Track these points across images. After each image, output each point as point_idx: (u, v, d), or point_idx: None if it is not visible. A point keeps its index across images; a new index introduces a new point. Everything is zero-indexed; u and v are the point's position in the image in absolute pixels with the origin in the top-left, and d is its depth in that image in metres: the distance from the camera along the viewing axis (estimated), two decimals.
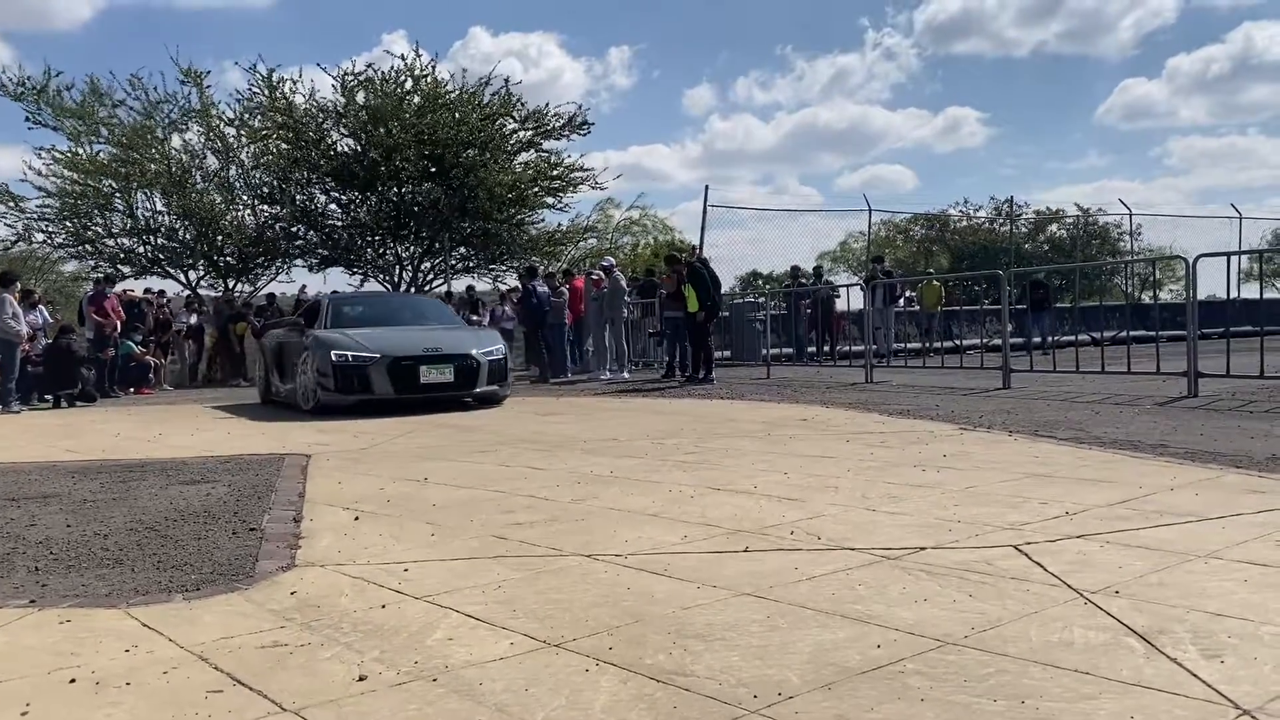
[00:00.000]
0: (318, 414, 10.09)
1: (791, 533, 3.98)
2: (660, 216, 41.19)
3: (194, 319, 18.49)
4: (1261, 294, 20.47)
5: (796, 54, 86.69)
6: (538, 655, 2.62)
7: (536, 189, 22.70)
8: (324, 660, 2.64)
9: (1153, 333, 14.68)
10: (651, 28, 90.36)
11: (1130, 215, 27.50)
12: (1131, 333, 15.17)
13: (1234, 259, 16.83)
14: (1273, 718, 2.07)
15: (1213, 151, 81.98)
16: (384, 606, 3.12)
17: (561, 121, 22.64)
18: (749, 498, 4.77)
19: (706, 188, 24.48)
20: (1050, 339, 17.10)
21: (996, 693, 2.26)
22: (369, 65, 23.34)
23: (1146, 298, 26.79)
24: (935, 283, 19.00)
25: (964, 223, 33.82)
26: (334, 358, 10.15)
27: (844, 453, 6.22)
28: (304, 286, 20.73)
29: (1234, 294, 21.53)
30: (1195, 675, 2.32)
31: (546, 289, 15.75)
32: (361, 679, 2.48)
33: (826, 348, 17.47)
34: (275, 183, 22.10)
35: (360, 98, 21.60)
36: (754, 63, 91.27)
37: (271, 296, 20.53)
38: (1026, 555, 3.50)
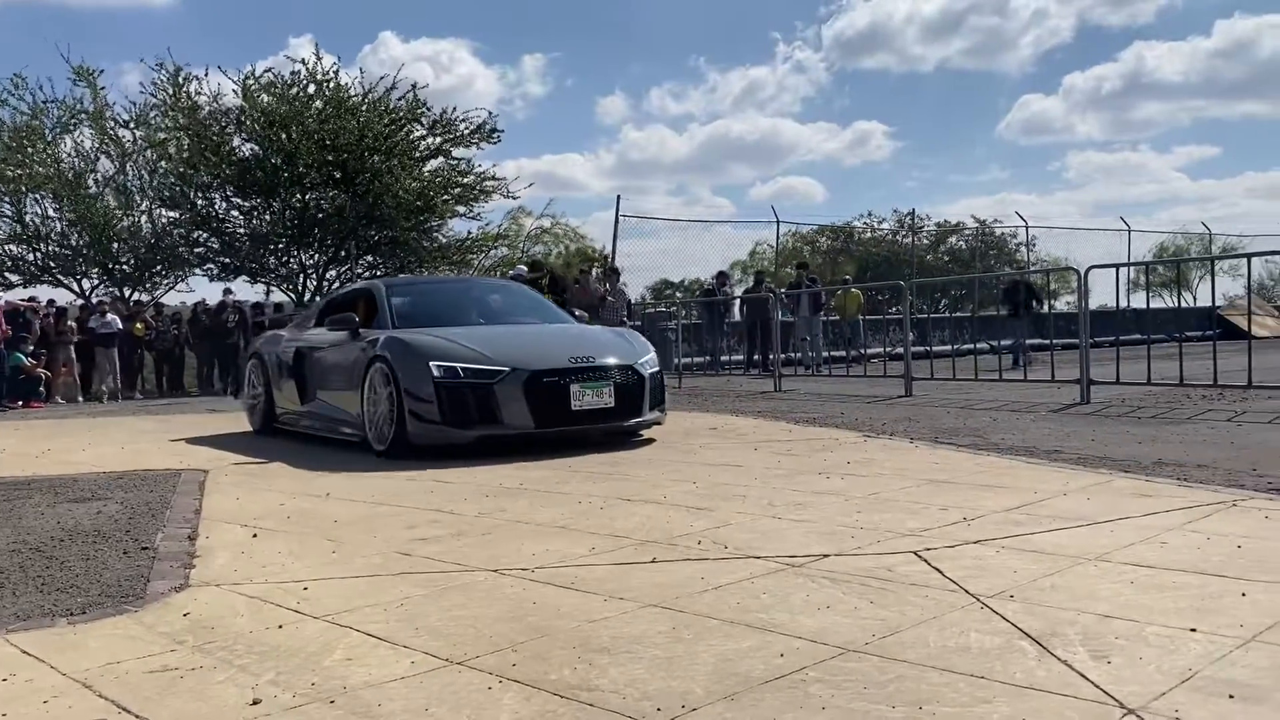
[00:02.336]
0: (397, 459, 6.94)
1: (699, 542, 4.00)
2: (573, 225, 41.10)
3: (115, 320, 17.20)
4: (1148, 303, 21.34)
5: (709, 66, 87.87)
6: (439, 674, 2.57)
7: (446, 197, 22.46)
8: (216, 684, 2.55)
9: (1047, 341, 15.20)
10: (565, 36, 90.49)
11: (1026, 227, 28.47)
12: (1028, 341, 15.68)
13: (1123, 270, 17.58)
14: (1156, 716, 2.14)
15: (1107, 166, 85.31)
16: (281, 626, 3.04)
17: (471, 129, 22.47)
18: (658, 507, 4.78)
19: (619, 197, 24.56)
20: (1026, 345, 15.13)
21: (895, 699, 2.29)
22: (268, 69, 22.83)
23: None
24: (855, 291, 19.22)
25: (868, 234, 34.56)
26: (436, 372, 6.97)
27: (752, 461, 6.28)
28: (203, 300, 20.16)
29: (1124, 304, 22.42)
30: (1084, 676, 2.39)
31: None
32: (255, 702, 2.41)
33: (758, 357, 17.53)
34: (175, 186, 21.46)
35: (262, 101, 21.12)
36: (667, 74, 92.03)
37: (159, 306, 19.90)
38: (926, 561, 3.57)
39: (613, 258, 20.12)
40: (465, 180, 22.68)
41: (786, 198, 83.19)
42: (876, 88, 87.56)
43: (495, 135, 22.64)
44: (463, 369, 7.01)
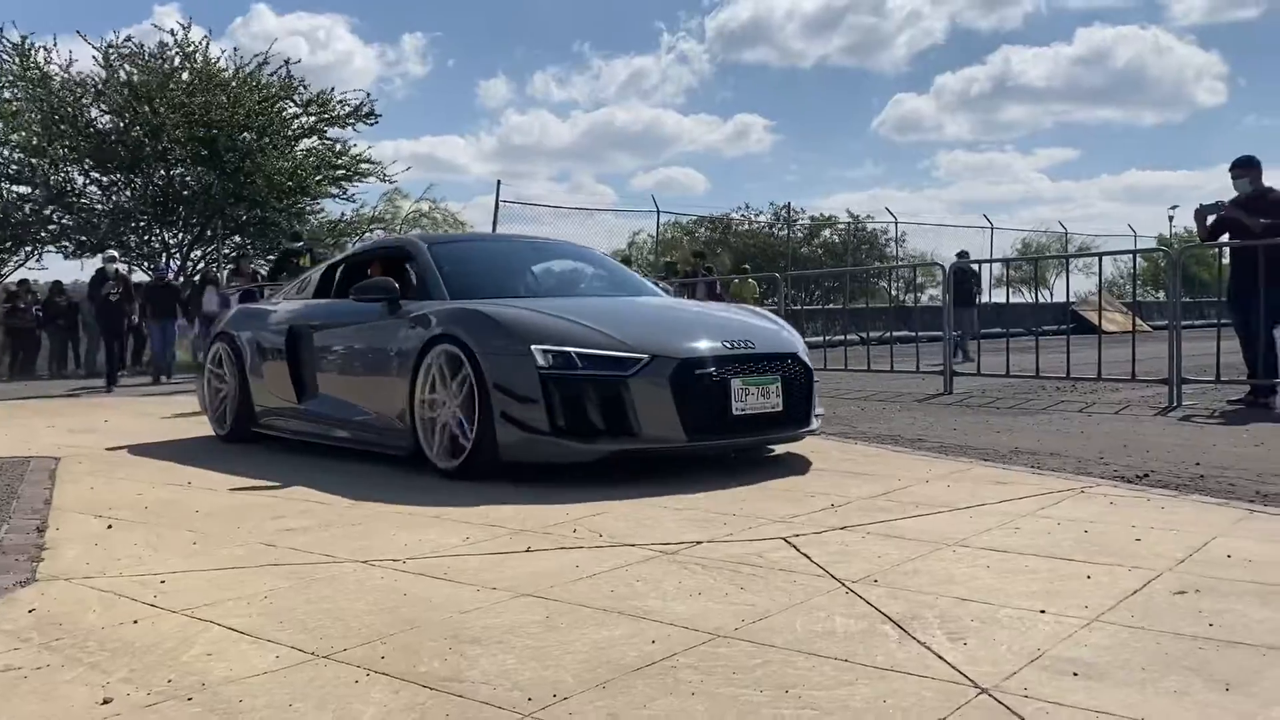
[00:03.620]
0: (477, 481, 5.09)
1: (575, 531, 4.00)
2: (452, 210, 40.45)
3: None
4: (1008, 298, 22.26)
5: (594, 52, 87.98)
6: (305, 668, 2.51)
7: (320, 177, 21.87)
8: (64, 683, 2.43)
9: (914, 333, 15.72)
10: (447, 16, 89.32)
11: (895, 223, 29.39)
12: (895, 333, 16.18)
13: (986, 266, 18.33)
14: (1007, 694, 2.24)
15: (974, 166, 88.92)
16: (136, 622, 2.91)
17: (348, 110, 21.93)
18: (534, 494, 4.75)
19: (499, 182, 24.31)
20: (972, 335, 14.76)
21: (763, 683, 2.34)
22: (130, 38, 21.69)
23: (909, 301, 28.66)
24: (751, 281, 19.21)
25: (745, 226, 35.09)
26: (541, 359, 4.99)
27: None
28: (59, 281, 19.15)
29: (986, 299, 23.34)
30: (942, 658, 2.48)
31: None
32: (106, 702, 2.30)
33: None
34: (26, 159, 20.29)
35: (123, 73, 20.16)
36: (551, 58, 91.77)
37: (24, 282, 18.83)
38: (795, 547, 3.65)
39: None
40: (340, 161, 22.14)
41: (668, 188, 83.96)
42: (757, 81, 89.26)
43: (372, 117, 22.17)
44: (579, 355, 5.03)
